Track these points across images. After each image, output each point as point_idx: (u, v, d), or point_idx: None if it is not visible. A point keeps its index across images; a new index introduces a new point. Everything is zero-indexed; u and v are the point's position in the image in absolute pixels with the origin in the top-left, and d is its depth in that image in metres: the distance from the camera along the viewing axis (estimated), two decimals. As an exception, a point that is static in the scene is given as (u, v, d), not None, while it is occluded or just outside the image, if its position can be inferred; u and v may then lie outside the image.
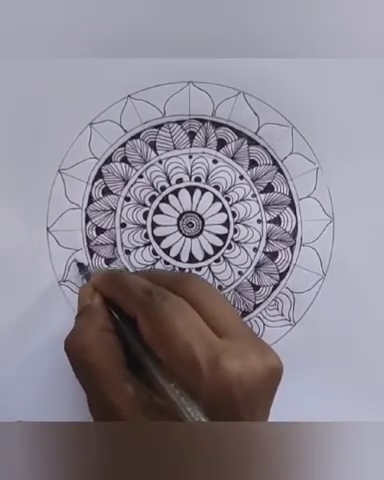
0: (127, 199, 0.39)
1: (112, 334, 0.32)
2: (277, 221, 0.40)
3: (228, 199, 0.39)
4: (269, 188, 0.40)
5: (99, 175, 0.39)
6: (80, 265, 0.38)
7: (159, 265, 0.39)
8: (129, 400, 0.30)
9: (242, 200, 0.39)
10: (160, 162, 0.39)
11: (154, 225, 0.39)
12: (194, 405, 0.28)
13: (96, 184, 0.39)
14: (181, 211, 0.39)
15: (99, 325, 0.32)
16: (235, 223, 0.39)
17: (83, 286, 0.36)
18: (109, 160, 0.39)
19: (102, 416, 0.31)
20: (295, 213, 0.40)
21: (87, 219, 0.39)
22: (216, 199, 0.39)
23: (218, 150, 0.39)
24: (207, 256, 0.39)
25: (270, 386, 0.31)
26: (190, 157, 0.39)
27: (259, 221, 0.40)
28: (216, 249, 0.39)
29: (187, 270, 0.39)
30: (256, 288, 0.40)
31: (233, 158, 0.39)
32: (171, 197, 0.39)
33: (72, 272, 0.38)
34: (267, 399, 0.31)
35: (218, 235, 0.39)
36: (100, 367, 0.31)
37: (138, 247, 0.39)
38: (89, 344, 0.31)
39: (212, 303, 0.32)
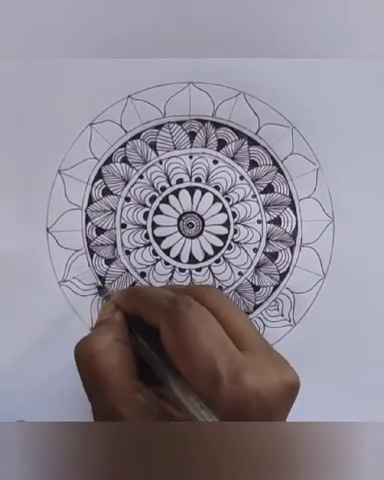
0: (127, 199, 0.39)
1: (126, 345, 0.32)
2: (277, 221, 0.40)
3: (228, 199, 0.39)
4: (269, 188, 0.40)
5: (99, 175, 0.39)
6: (99, 288, 0.38)
7: (159, 266, 0.39)
8: (138, 410, 0.30)
9: (242, 200, 0.39)
10: (160, 162, 0.39)
11: (154, 225, 0.39)
12: (214, 418, 0.28)
13: (96, 184, 0.39)
14: (181, 211, 0.39)
15: (114, 335, 0.32)
16: (235, 223, 0.39)
17: (104, 304, 0.36)
18: (109, 160, 0.39)
19: None
20: (295, 213, 0.40)
21: (87, 219, 0.39)
22: (216, 199, 0.39)
23: (218, 150, 0.39)
24: (207, 256, 0.39)
25: (286, 402, 0.30)
26: (190, 157, 0.39)
27: (259, 221, 0.40)
28: (216, 249, 0.39)
29: (187, 271, 0.39)
30: (256, 288, 0.40)
31: (233, 158, 0.39)
32: (171, 197, 0.39)
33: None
34: (283, 414, 0.31)
35: (218, 235, 0.39)
36: (109, 374, 0.30)
37: (138, 247, 0.39)
38: (101, 350, 0.31)
39: (232, 316, 0.32)
